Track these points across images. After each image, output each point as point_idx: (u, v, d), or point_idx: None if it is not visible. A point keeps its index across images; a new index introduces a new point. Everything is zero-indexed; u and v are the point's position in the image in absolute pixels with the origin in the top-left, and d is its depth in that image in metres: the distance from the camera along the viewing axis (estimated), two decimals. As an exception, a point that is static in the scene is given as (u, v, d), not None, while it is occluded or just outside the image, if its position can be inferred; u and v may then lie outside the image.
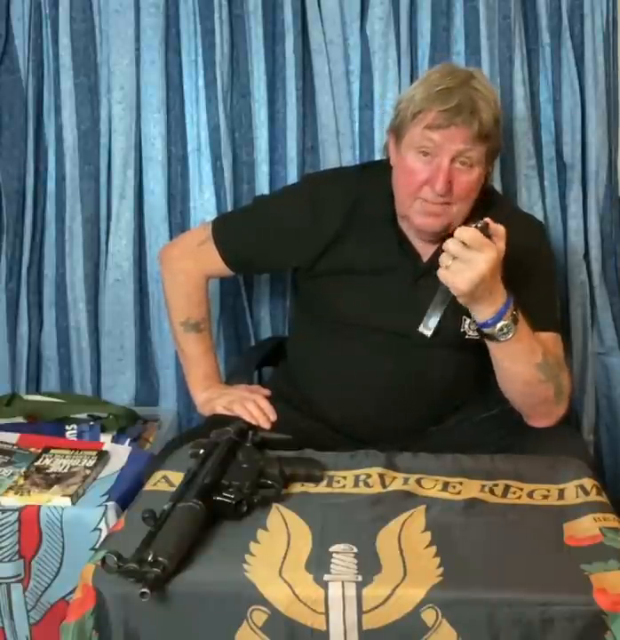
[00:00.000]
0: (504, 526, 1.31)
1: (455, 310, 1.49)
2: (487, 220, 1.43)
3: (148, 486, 1.44)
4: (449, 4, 2.03)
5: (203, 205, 2.13)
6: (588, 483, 1.40)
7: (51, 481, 1.65)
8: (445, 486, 1.41)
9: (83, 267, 2.16)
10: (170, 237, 2.10)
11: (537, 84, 2.09)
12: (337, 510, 1.34)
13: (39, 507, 1.58)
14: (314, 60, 2.06)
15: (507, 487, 1.40)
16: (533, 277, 1.60)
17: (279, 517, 1.32)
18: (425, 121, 1.56)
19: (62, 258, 2.17)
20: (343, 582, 1.16)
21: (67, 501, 1.59)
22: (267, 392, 1.78)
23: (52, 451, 1.76)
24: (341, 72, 2.07)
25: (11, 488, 1.63)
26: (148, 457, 1.75)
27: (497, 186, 2.02)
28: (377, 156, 2.00)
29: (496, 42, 2.03)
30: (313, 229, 1.70)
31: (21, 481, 1.65)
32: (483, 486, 1.40)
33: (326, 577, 1.17)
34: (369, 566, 1.19)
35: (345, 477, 1.45)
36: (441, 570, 1.18)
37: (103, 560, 1.15)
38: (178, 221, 2.14)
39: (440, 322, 1.44)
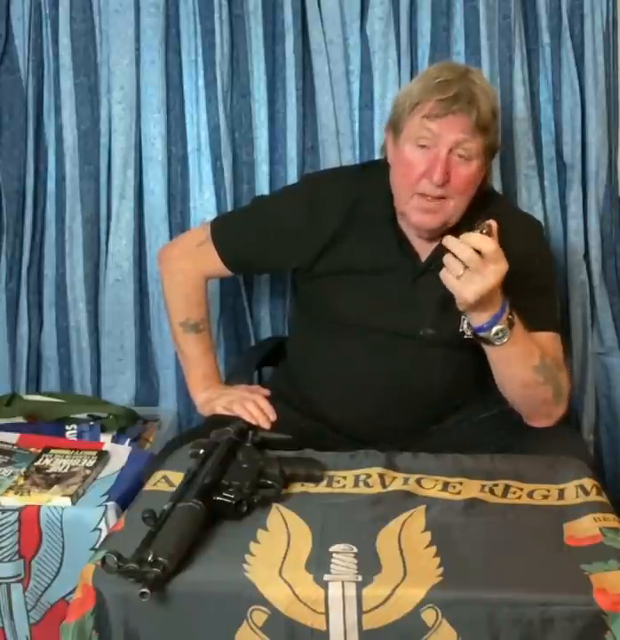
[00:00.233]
0: (504, 526, 1.30)
1: (453, 310, 1.49)
2: (490, 222, 1.42)
3: (148, 486, 1.44)
4: (448, 4, 2.03)
5: (203, 205, 2.13)
6: (588, 483, 1.40)
7: (51, 481, 1.65)
8: (445, 486, 1.41)
9: (83, 267, 2.16)
10: (170, 237, 2.10)
11: (537, 84, 2.09)
12: (337, 510, 1.34)
13: (39, 507, 1.58)
14: (314, 60, 2.06)
15: (507, 487, 1.40)
16: (532, 277, 1.60)
17: (279, 517, 1.32)
18: (423, 111, 1.56)
19: (62, 258, 2.17)
20: (343, 582, 1.16)
21: (67, 501, 1.59)
22: (267, 392, 1.78)
23: (52, 451, 1.76)
24: (341, 72, 2.07)
25: (11, 488, 1.63)
26: (148, 457, 1.75)
27: (497, 186, 2.02)
28: (377, 156, 2.00)
29: (496, 42, 2.03)
30: (312, 229, 1.70)
31: (21, 481, 1.65)
32: (483, 486, 1.40)
33: (326, 577, 1.17)
34: (369, 566, 1.19)
35: (345, 477, 1.44)
36: (441, 570, 1.18)
37: (103, 560, 1.15)
38: (178, 221, 2.14)
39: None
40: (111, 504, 1.59)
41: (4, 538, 1.58)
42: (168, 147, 2.11)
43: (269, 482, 1.37)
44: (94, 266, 2.17)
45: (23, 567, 1.59)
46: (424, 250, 1.68)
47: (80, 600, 1.20)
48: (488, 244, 1.39)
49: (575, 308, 2.13)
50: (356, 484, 1.42)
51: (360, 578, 1.17)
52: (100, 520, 1.57)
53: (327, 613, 1.15)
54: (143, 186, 2.13)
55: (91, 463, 1.72)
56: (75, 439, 1.90)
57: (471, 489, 1.40)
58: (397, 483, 1.42)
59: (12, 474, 1.69)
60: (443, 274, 1.42)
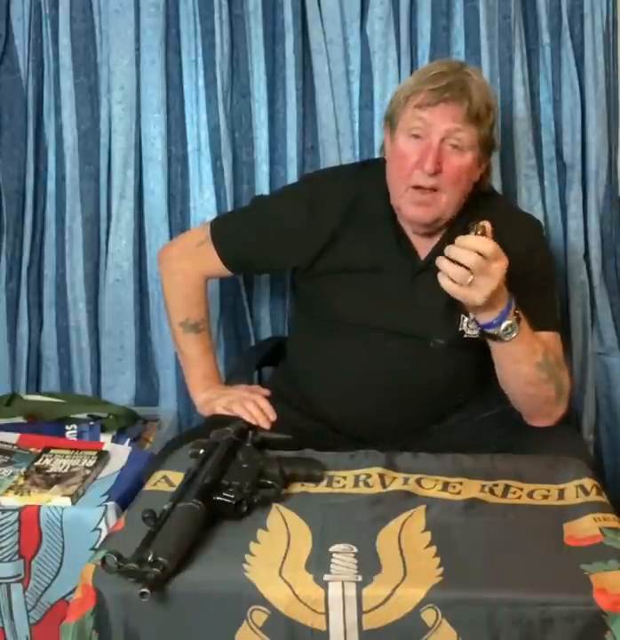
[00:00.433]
0: (504, 526, 1.30)
1: (453, 309, 1.48)
2: (484, 222, 1.42)
3: (148, 486, 1.44)
4: (448, 4, 2.03)
5: (203, 205, 2.13)
6: (588, 483, 1.40)
7: (51, 481, 1.65)
8: (445, 486, 1.41)
9: (83, 267, 2.16)
10: (170, 237, 2.10)
11: (537, 84, 2.09)
12: (337, 510, 1.34)
13: (39, 507, 1.58)
14: (314, 60, 2.06)
15: (507, 487, 1.40)
16: (532, 277, 1.60)
17: (279, 517, 1.32)
18: (416, 101, 1.57)
19: (62, 258, 2.17)
20: (343, 582, 1.16)
21: (67, 501, 1.59)
22: (267, 392, 1.78)
23: (52, 451, 1.76)
24: (341, 72, 2.07)
25: (11, 488, 1.63)
26: (148, 457, 1.75)
27: (497, 186, 2.02)
28: (377, 156, 2.00)
29: (496, 42, 2.03)
30: (312, 229, 1.70)
31: (21, 481, 1.65)
32: (483, 486, 1.40)
33: (326, 577, 1.17)
34: (369, 566, 1.19)
35: (345, 477, 1.44)
36: (441, 570, 1.18)
37: (103, 560, 1.15)
38: (178, 221, 2.14)
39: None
40: (111, 504, 1.59)
41: (4, 538, 1.58)
42: (168, 147, 2.11)
43: (269, 482, 1.37)
44: (94, 266, 2.17)
45: (23, 567, 1.59)
46: (423, 248, 1.68)
47: (80, 600, 1.20)
48: (487, 244, 1.39)
49: (575, 307, 2.13)
50: (356, 484, 1.42)
51: (360, 578, 1.17)
52: (100, 520, 1.57)
53: (327, 613, 1.15)
54: (143, 186, 2.13)
55: (91, 463, 1.72)
56: (75, 439, 1.90)
57: (471, 489, 1.40)
58: (397, 483, 1.42)
59: (12, 474, 1.69)
60: (448, 284, 1.41)
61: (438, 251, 1.64)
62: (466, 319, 1.58)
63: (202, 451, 1.42)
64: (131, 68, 2.07)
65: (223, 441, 1.45)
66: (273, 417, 1.69)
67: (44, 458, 1.73)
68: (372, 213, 1.68)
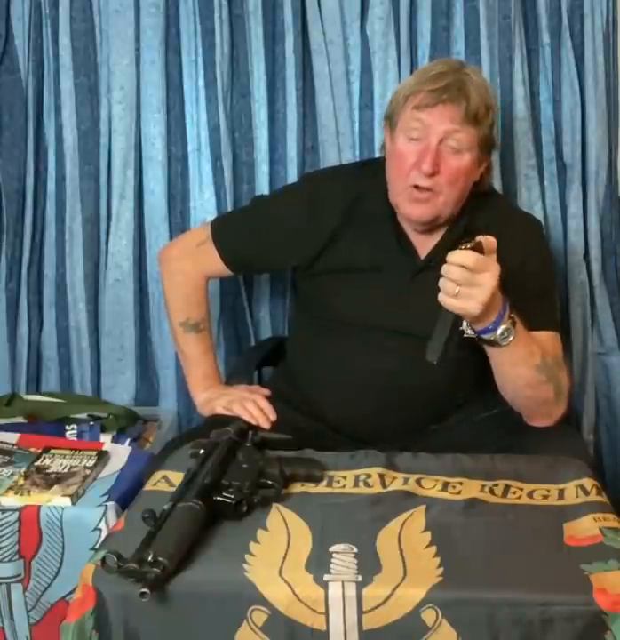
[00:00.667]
0: (504, 526, 1.30)
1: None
2: (479, 238, 1.41)
3: (148, 486, 1.44)
4: (448, 4, 2.03)
5: (203, 205, 2.13)
6: (588, 483, 1.40)
7: (51, 481, 1.65)
8: (445, 486, 1.41)
9: (83, 267, 2.16)
10: (170, 237, 2.10)
11: (537, 84, 2.09)
12: (337, 510, 1.34)
13: (39, 507, 1.58)
14: (314, 60, 2.06)
15: (507, 487, 1.40)
16: (532, 276, 1.60)
17: (279, 517, 1.32)
18: (414, 102, 1.57)
19: (62, 258, 2.17)
20: (343, 582, 1.16)
21: (67, 501, 1.59)
22: (267, 392, 1.78)
23: (52, 451, 1.76)
24: (341, 72, 2.07)
25: (11, 488, 1.63)
26: (148, 457, 1.75)
27: (497, 186, 2.02)
28: (377, 156, 2.00)
29: (496, 42, 2.03)
30: (312, 228, 1.70)
31: (21, 481, 1.65)
32: (483, 486, 1.40)
33: (326, 577, 1.17)
34: (369, 566, 1.19)
35: (345, 477, 1.44)
36: (441, 570, 1.18)
37: (103, 560, 1.15)
38: (178, 221, 2.14)
39: (446, 347, 1.40)
40: (111, 504, 1.59)
41: (4, 538, 1.58)
42: (168, 147, 2.11)
43: (269, 482, 1.37)
44: (94, 266, 2.17)
45: (23, 567, 1.59)
46: (423, 247, 1.68)
47: (80, 600, 1.20)
48: (468, 257, 1.38)
49: (575, 308, 2.13)
50: (356, 484, 1.42)
51: (360, 578, 1.17)
52: (100, 520, 1.57)
53: (327, 613, 1.15)
54: (143, 186, 2.13)
55: (91, 463, 1.72)
56: (75, 439, 1.90)
57: (471, 489, 1.40)
58: (397, 483, 1.42)
59: (12, 474, 1.69)
60: (442, 298, 1.40)
61: (438, 250, 1.65)
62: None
63: (202, 451, 1.42)
64: (131, 68, 2.07)
65: (223, 441, 1.45)
66: (273, 417, 1.69)
67: (44, 458, 1.73)
68: (372, 213, 1.68)
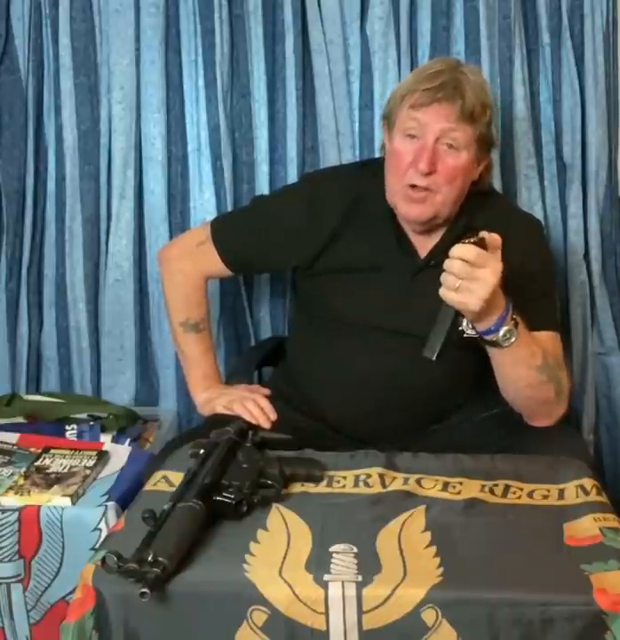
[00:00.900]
0: (504, 526, 1.31)
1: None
2: (482, 234, 1.41)
3: (148, 486, 1.44)
4: (448, 4, 2.03)
5: (203, 205, 2.13)
6: (588, 483, 1.40)
7: (51, 481, 1.65)
8: (445, 486, 1.41)
9: (83, 267, 2.16)
10: (170, 237, 2.10)
11: (537, 84, 2.09)
12: (337, 510, 1.34)
13: (39, 507, 1.58)
14: (314, 60, 2.06)
15: (507, 487, 1.40)
16: (532, 276, 1.60)
17: (279, 517, 1.32)
18: (411, 101, 1.58)
19: (62, 258, 2.17)
20: (343, 582, 1.16)
21: (67, 501, 1.59)
22: (267, 391, 1.78)
23: (52, 451, 1.76)
24: (341, 72, 2.07)
25: (11, 488, 1.63)
26: (148, 457, 1.75)
27: (497, 185, 2.02)
28: (377, 156, 2.00)
29: (496, 42, 2.03)
30: (312, 228, 1.70)
31: (21, 481, 1.65)
32: (483, 486, 1.40)
33: (326, 577, 1.17)
34: (369, 566, 1.19)
35: (345, 477, 1.44)
36: (441, 570, 1.18)
37: (103, 560, 1.15)
38: (178, 221, 2.14)
39: (445, 343, 1.41)
40: (111, 504, 1.59)
41: (4, 538, 1.58)
42: (168, 147, 2.11)
43: (269, 482, 1.37)
44: (94, 266, 2.17)
45: (23, 567, 1.59)
46: (423, 247, 1.68)
47: (80, 600, 1.20)
48: (470, 251, 1.38)
49: (575, 308, 2.13)
50: (356, 484, 1.42)
51: (360, 578, 1.17)
52: (100, 520, 1.57)
53: (327, 613, 1.15)
54: (143, 186, 2.13)
55: (91, 463, 1.72)
56: (75, 439, 1.90)
57: (471, 489, 1.40)
58: (397, 483, 1.42)
59: (12, 474, 1.69)
60: (443, 292, 1.40)
61: (437, 250, 1.65)
62: (465, 319, 1.57)
63: (202, 451, 1.42)
64: (131, 68, 2.07)
65: (223, 441, 1.45)
66: (273, 416, 1.69)
67: (44, 458, 1.73)
68: (372, 213, 1.68)
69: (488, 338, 1.47)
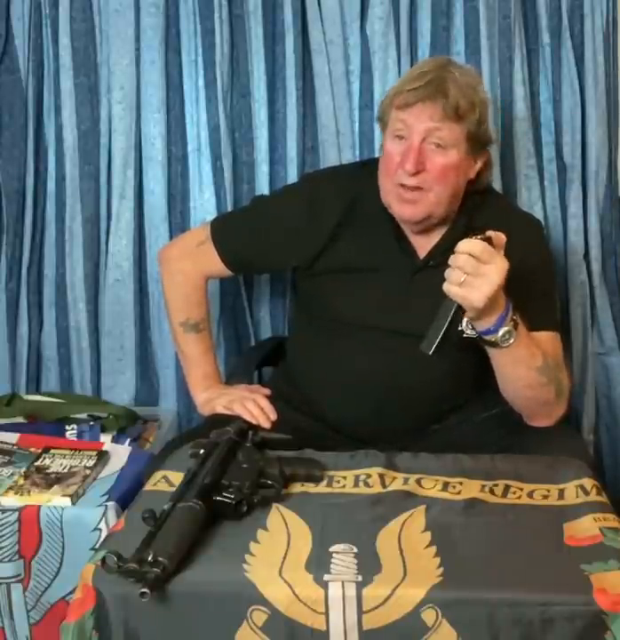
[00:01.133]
0: (504, 526, 1.31)
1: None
2: (489, 233, 1.41)
3: (148, 486, 1.44)
4: (448, 4, 2.03)
5: (203, 205, 2.13)
6: (588, 483, 1.40)
7: (51, 481, 1.65)
8: (445, 486, 1.41)
9: (83, 267, 2.16)
10: (170, 237, 2.10)
11: (537, 84, 2.09)
12: (337, 510, 1.34)
13: (39, 507, 1.58)
14: (314, 60, 2.06)
15: (507, 487, 1.40)
16: (532, 276, 1.60)
17: (279, 517, 1.32)
18: (397, 102, 1.59)
19: (62, 258, 2.17)
20: (343, 582, 1.16)
21: (67, 501, 1.59)
22: (267, 391, 1.78)
23: (52, 451, 1.76)
24: (341, 72, 2.07)
25: (11, 488, 1.63)
26: (148, 457, 1.75)
27: (497, 185, 2.02)
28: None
29: (496, 42, 2.03)
30: (312, 228, 1.70)
31: (21, 481, 1.65)
32: (483, 486, 1.40)
33: (326, 577, 1.17)
34: (369, 566, 1.19)
35: (345, 477, 1.44)
36: (441, 570, 1.18)
37: (103, 560, 1.15)
38: (178, 221, 2.14)
39: (442, 339, 1.40)
40: (111, 504, 1.59)
41: (4, 538, 1.58)
42: (168, 147, 2.11)
43: (269, 482, 1.37)
44: (94, 266, 2.17)
45: (23, 567, 1.59)
46: (422, 247, 1.68)
47: (80, 600, 1.20)
48: (477, 246, 1.38)
49: (575, 308, 2.13)
50: (356, 484, 1.42)
51: (360, 578, 1.17)
52: (100, 520, 1.57)
53: (327, 613, 1.15)
54: (143, 186, 2.13)
55: (91, 463, 1.72)
56: (75, 439, 1.90)
57: (471, 489, 1.40)
58: (397, 483, 1.42)
59: (12, 474, 1.69)
60: (447, 287, 1.40)
61: (437, 250, 1.65)
62: (465, 319, 1.57)
63: (202, 451, 1.42)
64: (131, 68, 2.07)
65: (223, 441, 1.45)
66: (273, 416, 1.69)
67: (44, 458, 1.73)
68: (372, 213, 1.68)
69: (487, 338, 1.47)
